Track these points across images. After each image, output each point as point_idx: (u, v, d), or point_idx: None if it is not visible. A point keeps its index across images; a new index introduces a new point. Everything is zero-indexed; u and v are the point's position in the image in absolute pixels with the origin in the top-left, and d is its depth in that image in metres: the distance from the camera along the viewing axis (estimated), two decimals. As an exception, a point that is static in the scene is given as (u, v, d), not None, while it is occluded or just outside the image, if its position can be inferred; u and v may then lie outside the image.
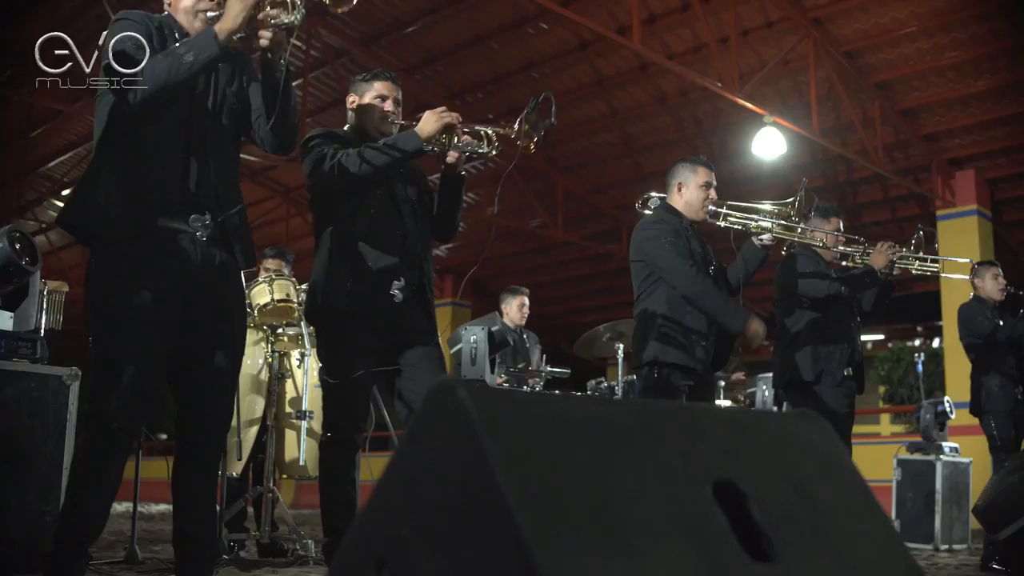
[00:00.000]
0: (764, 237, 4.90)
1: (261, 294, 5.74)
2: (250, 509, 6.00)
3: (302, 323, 5.75)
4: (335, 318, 3.91)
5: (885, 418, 23.27)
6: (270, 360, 5.79)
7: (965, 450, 8.47)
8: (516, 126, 3.94)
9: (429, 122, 3.85)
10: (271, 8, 3.05)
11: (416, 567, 1.14)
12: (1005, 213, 14.06)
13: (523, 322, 7.68)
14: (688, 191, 4.94)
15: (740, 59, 10.11)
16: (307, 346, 5.73)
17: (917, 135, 12.45)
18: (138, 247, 3.06)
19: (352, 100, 4.19)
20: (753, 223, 4.87)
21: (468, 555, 1.07)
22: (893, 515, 8.11)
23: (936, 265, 5.69)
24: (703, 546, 1.13)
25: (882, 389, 21.49)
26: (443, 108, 3.94)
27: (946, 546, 7.72)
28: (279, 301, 5.71)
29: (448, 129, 3.93)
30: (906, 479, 8.12)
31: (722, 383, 8.10)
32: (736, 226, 4.89)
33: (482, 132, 4.03)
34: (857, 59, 11.20)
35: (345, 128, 4.22)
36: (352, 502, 3.86)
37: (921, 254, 5.64)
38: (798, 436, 1.42)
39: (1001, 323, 6.77)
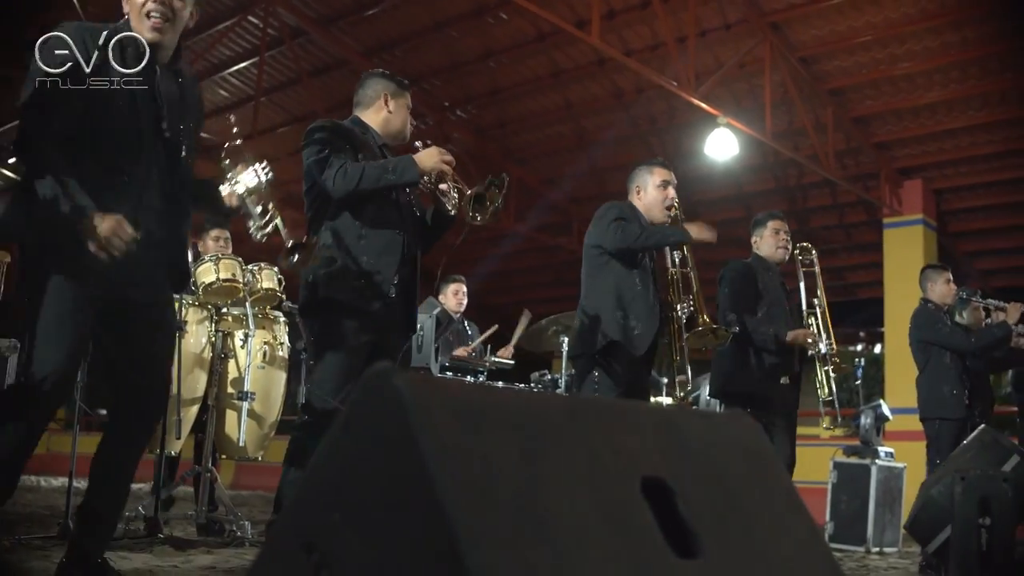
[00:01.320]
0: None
1: (206, 272, 5.68)
2: (188, 488, 5.94)
3: (247, 303, 5.71)
4: (335, 311, 4.00)
5: (824, 420, 23.52)
6: (213, 339, 5.73)
7: (900, 455, 8.60)
8: (472, 196, 4.19)
9: (431, 160, 4.07)
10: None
11: (345, 553, 1.13)
12: (950, 224, 14.28)
13: (460, 308, 7.75)
14: (646, 193, 5.02)
15: (697, 59, 10.16)
16: (251, 327, 5.69)
17: (868, 143, 12.60)
18: None
19: (386, 97, 4.34)
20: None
21: (397, 542, 1.07)
22: (827, 517, 8.21)
23: None
24: (629, 541, 1.14)
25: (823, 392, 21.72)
26: (444, 151, 4.12)
27: (877, 549, 7.83)
28: (224, 280, 5.65)
29: (440, 175, 4.14)
30: (841, 482, 8.22)
31: (664, 380, 8.13)
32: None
33: (455, 189, 4.24)
34: (812, 65, 11.30)
35: (355, 117, 4.35)
36: None
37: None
38: (727, 436, 1.43)
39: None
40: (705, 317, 5.10)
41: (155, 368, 3.36)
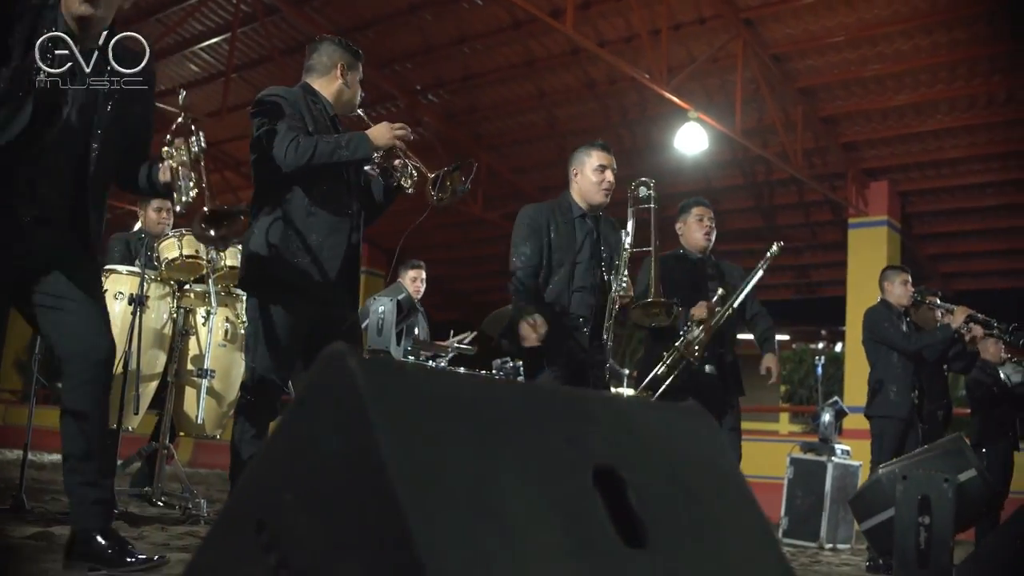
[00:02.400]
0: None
1: (170, 248, 5.64)
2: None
3: (210, 280, 5.67)
4: (277, 288, 3.97)
5: (784, 417, 23.79)
6: (175, 316, 5.69)
7: (856, 454, 8.69)
8: (436, 178, 4.11)
9: (384, 136, 3.99)
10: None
11: (296, 532, 1.13)
12: (915, 226, 14.43)
13: (418, 295, 7.76)
14: (582, 176, 4.98)
15: (670, 53, 10.18)
16: (213, 304, 5.65)
17: (836, 143, 12.70)
18: None
19: (343, 67, 4.23)
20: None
21: (347, 523, 1.07)
22: (782, 512, 8.29)
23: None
24: (579, 528, 1.14)
25: (783, 388, 21.97)
26: (401, 124, 4.06)
27: (831, 545, 7.92)
28: (188, 257, 5.61)
29: (391, 150, 4.07)
30: (797, 478, 8.30)
31: (625, 371, 8.16)
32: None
33: (410, 165, 4.16)
34: (784, 63, 11.36)
35: (304, 83, 4.26)
36: None
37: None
38: (681, 428, 1.44)
39: (905, 330, 6.93)
40: (655, 294, 5.01)
41: None
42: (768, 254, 5.69)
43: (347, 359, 1.10)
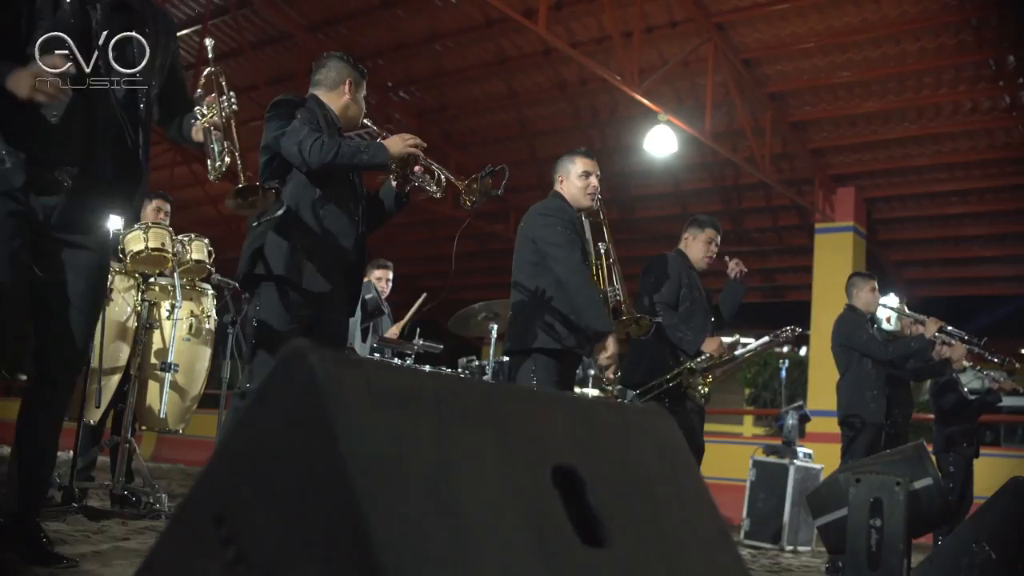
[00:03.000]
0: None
1: (135, 241, 5.59)
2: (105, 458, 5.86)
3: (175, 274, 5.63)
4: (280, 287, 3.99)
5: (748, 420, 23.92)
6: (139, 309, 5.65)
7: (818, 457, 8.77)
8: (467, 182, 4.28)
9: (398, 145, 4.09)
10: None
11: (254, 526, 1.13)
12: (880, 232, 14.57)
13: (383, 295, 7.74)
14: (568, 183, 5.06)
15: (642, 55, 10.22)
16: (178, 298, 5.61)
17: (804, 148, 12.79)
18: None
19: (350, 83, 4.31)
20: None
21: (305, 518, 1.07)
22: (744, 514, 8.35)
23: None
24: (537, 527, 1.15)
25: (747, 391, 22.09)
26: (414, 137, 4.16)
27: (791, 547, 7.98)
28: (153, 249, 5.57)
29: (408, 159, 4.16)
30: (760, 480, 8.37)
31: (591, 371, 8.18)
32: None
33: (436, 171, 4.27)
34: (754, 68, 11.43)
35: (313, 95, 4.31)
36: None
37: None
38: (641, 429, 1.45)
39: (877, 337, 7.00)
40: (627, 306, 5.13)
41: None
42: (788, 331, 5.89)
43: (306, 354, 1.10)
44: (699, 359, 5.52)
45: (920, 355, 7.05)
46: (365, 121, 4.41)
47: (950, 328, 7.08)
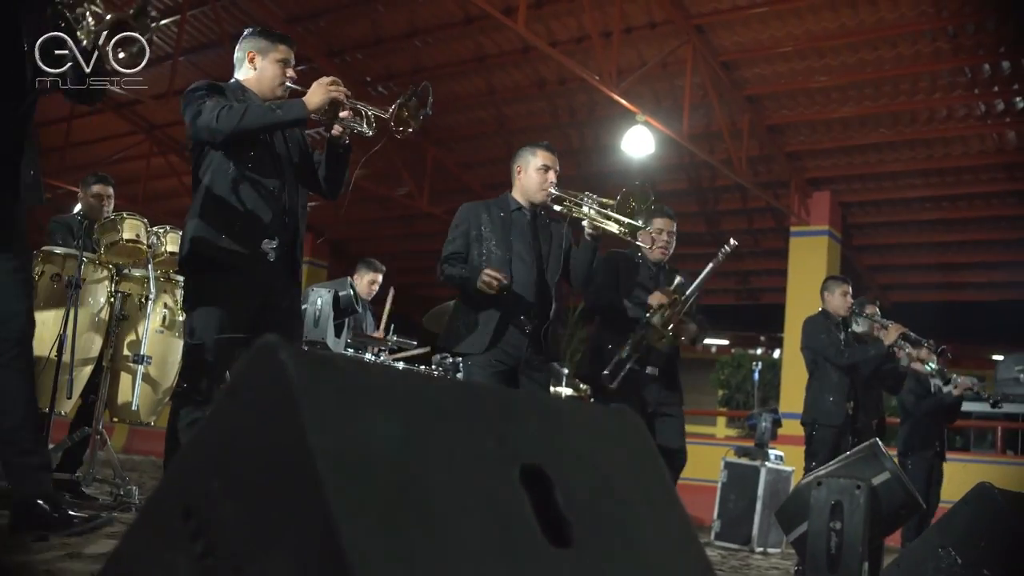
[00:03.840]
0: (586, 227, 4.83)
1: (110, 231, 5.57)
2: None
3: (150, 265, 5.61)
4: (205, 271, 3.93)
5: (721, 421, 24.03)
6: (112, 300, 5.62)
7: (789, 459, 8.82)
8: (393, 110, 4.10)
9: (317, 94, 3.93)
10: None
11: (222, 520, 1.13)
12: (855, 237, 14.66)
13: (368, 297, 7.67)
14: (525, 174, 4.99)
15: (620, 56, 10.22)
16: (152, 289, 5.58)
17: (781, 151, 12.85)
18: None
19: (252, 55, 4.20)
20: (576, 210, 4.81)
21: (273, 513, 1.07)
22: (715, 515, 8.39)
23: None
24: (504, 527, 1.16)
25: (720, 392, 22.19)
26: (332, 79, 4.00)
27: (761, 549, 8.02)
28: (128, 240, 5.55)
29: (334, 103, 4.01)
30: (731, 481, 8.41)
31: (565, 371, 8.20)
32: (569, 212, 4.90)
33: (363, 111, 4.13)
34: (733, 70, 11.47)
35: (234, 80, 4.23)
36: None
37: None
38: (610, 429, 1.46)
39: (843, 339, 7.02)
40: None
41: None
42: (726, 248, 5.68)
43: (279, 350, 1.10)
44: (649, 314, 5.41)
45: (878, 361, 7.06)
46: (290, 85, 4.21)
47: (913, 335, 7.11)
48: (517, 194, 5.02)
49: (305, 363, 1.09)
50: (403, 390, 1.18)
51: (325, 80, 3.96)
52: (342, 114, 4.08)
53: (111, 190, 6.34)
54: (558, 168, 5.01)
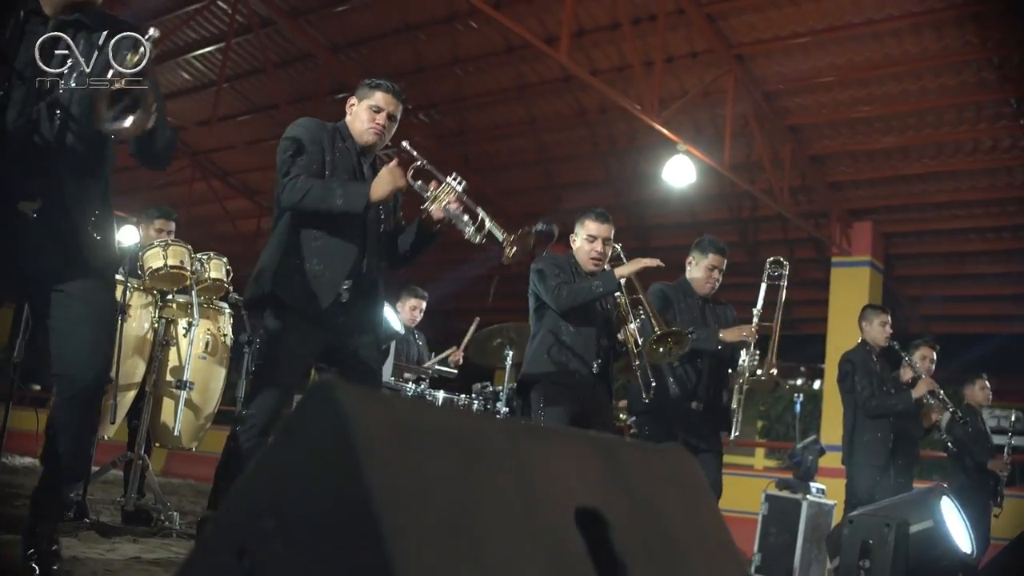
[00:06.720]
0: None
1: (154, 258, 5.62)
2: (118, 473, 5.85)
3: (193, 291, 5.66)
4: (278, 309, 3.99)
5: (760, 452, 23.79)
6: (156, 325, 5.67)
7: (832, 492, 8.70)
8: (518, 237, 4.27)
9: (382, 186, 3.98)
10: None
11: (276, 560, 1.13)
12: (897, 268, 14.50)
13: (412, 324, 7.72)
14: (577, 243, 5.25)
15: (662, 85, 10.21)
16: (195, 316, 5.63)
17: (822, 181, 12.76)
18: None
19: (353, 101, 4.33)
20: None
21: (329, 554, 1.06)
22: (755, 548, 8.29)
23: None
24: (560, 568, 1.14)
25: (760, 424, 21.97)
26: (398, 170, 4.06)
27: (802, 583, 7.90)
28: (172, 267, 5.59)
29: (445, 193, 4.18)
30: (772, 514, 8.30)
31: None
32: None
33: (480, 216, 4.23)
34: (774, 100, 11.43)
35: (343, 121, 4.33)
36: None
37: None
38: (664, 469, 1.44)
39: (878, 371, 6.94)
40: (659, 326, 5.10)
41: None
42: (774, 270, 5.80)
43: (333, 390, 1.10)
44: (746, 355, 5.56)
45: (902, 415, 6.96)
46: (404, 144, 4.39)
47: (941, 394, 7.02)
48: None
49: (360, 402, 1.09)
50: (458, 428, 1.17)
51: (397, 172, 4.03)
52: (451, 206, 4.17)
53: (173, 225, 6.45)
54: (605, 235, 5.23)
